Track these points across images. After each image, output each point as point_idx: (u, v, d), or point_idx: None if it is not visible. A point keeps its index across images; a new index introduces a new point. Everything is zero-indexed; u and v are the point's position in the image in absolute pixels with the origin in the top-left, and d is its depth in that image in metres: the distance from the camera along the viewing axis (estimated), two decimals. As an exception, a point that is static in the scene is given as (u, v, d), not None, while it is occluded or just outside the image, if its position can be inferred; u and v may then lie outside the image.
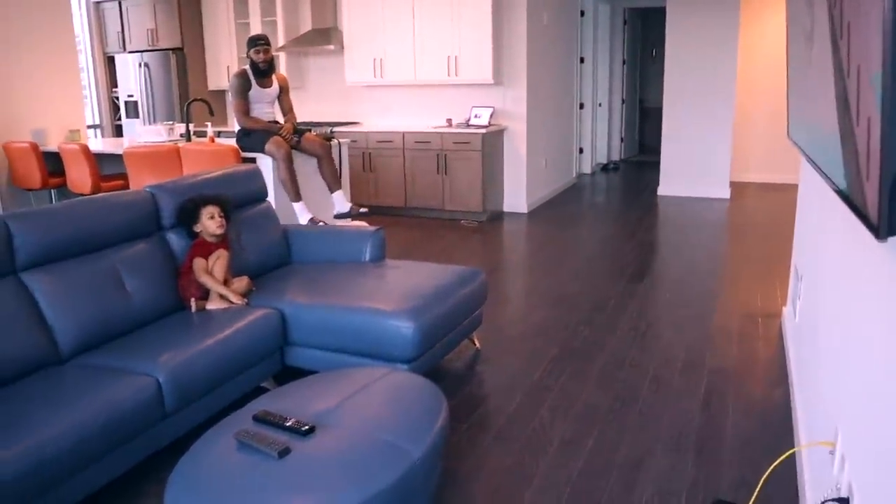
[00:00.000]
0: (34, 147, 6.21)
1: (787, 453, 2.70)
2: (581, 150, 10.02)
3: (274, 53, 6.08)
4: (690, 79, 8.13)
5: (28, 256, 2.87)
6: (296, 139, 5.48)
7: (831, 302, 2.37)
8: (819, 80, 2.02)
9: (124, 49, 8.95)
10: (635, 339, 4.03)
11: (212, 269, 3.34)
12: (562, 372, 3.61)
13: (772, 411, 3.16)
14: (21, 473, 2.12)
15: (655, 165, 8.75)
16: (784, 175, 8.87)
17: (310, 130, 5.76)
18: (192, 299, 3.29)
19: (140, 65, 8.81)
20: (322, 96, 8.37)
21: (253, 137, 5.38)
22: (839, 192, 1.70)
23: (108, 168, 6.23)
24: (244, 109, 5.40)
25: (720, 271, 5.55)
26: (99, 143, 7.05)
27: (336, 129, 7.23)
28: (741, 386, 3.43)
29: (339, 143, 6.11)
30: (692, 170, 8.31)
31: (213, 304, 3.31)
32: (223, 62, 8.73)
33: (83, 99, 7.55)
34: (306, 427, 2.12)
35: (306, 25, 8.17)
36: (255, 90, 5.41)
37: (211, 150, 5.34)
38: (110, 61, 9.16)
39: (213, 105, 6.70)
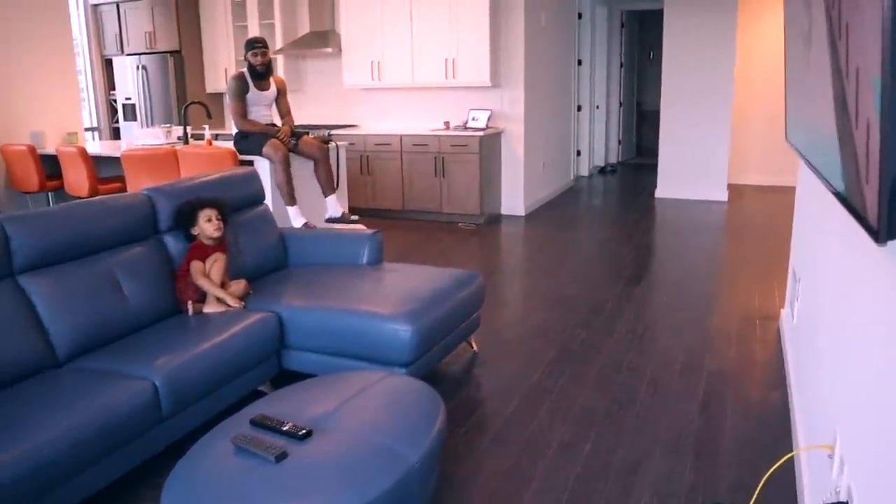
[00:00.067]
0: (31, 150, 6.20)
1: (786, 457, 2.69)
2: (579, 153, 10.03)
3: (272, 56, 6.08)
4: (688, 81, 8.13)
5: (25, 259, 2.86)
6: (293, 142, 5.47)
7: (830, 304, 2.37)
8: (817, 82, 2.02)
9: (122, 52, 8.94)
10: (633, 342, 4.02)
11: (209, 272, 3.33)
12: (560, 375, 3.61)
13: (770, 414, 3.16)
14: (18, 477, 2.11)
15: (653, 168, 8.75)
16: (782, 177, 8.87)
17: (307, 133, 5.75)
18: (189, 302, 3.29)
19: (138, 67, 8.81)
20: (320, 99, 8.37)
21: (250, 140, 5.37)
22: (838, 195, 1.70)
23: (105, 171, 6.22)
24: (242, 112, 5.40)
25: (718, 273, 5.55)
26: (96, 146, 7.04)
27: (334, 131, 7.22)
28: (739, 388, 3.42)
29: (337, 145, 6.10)
30: (690, 172, 8.31)
31: (210, 308, 3.30)
32: (221, 65, 8.73)
33: (81, 101, 7.54)
34: (303, 431, 2.11)
35: (304, 28, 8.17)
36: (253, 93, 5.40)
37: (208, 153, 5.34)
38: (108, 64, 9.15)
39: (210, 108, 6.70)
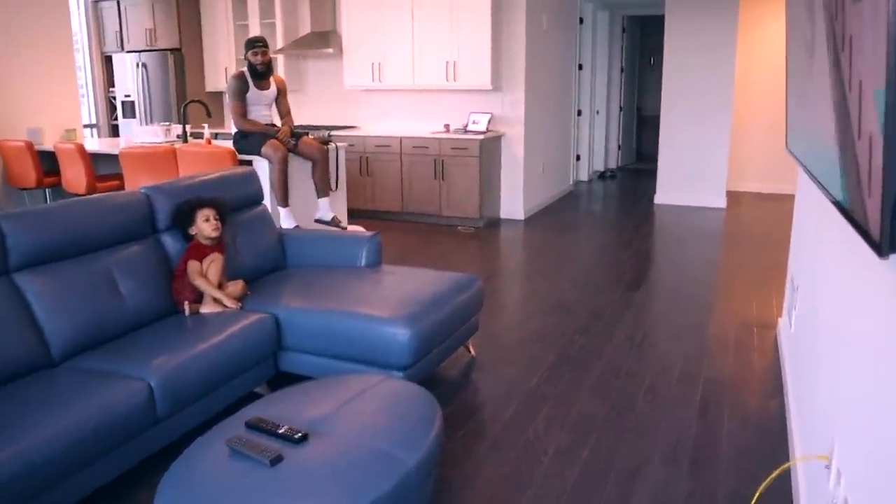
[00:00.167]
0: (29, 146, 6.18)
1: (783, 467, 2.68)
2: (578, 158, 10.02)
3: (272, 56, 6.07)
4: (688, 87, 8.14)
5: (21, 257, 2.85)
6: (293, 142, 5.46)
7: (829, 314, 2.37)
8: (819, 92, 2.02)
9: (122, 48, 8.92)
10: (631, 348, 4.02)
11: (206, 273, 3.32)
12: (558, 380, 3.60)
13: (767, 422, 3.15)
14: (12, 476, 2.09)
15: (652, 173, 8.76)
16: (781, 185, 8.88)
17: (307, 134, 5.74)
18: (186, 302, 3.27)
19: (138, 65, 8.79)
20: (320, 99, 8.36)
21: (250, 140, 5.37)
22: (839, 207, 1.69)
23: (103, 168, 6.20)
24: (241, 112, 5.39)
25: (716, 281, 5.55)
26: (95, 143, 7.03)
27: (334, 132, 7.22)
28: (737, 396, 3.42)
29: (337, 146, 6.09)
30: (689, 178, 8.31)
31: (207, 308, 3.28)
32: (221, 63, 8.72)
33: (80, 98, 7.52)
34: (299, 434, 2.10)
35: (305, 28, 8.16)
36: (253, 92, 5.39)
37: (208, 152, 5.33)
38: (108, 61, 9.13)
39: (210, 106, 6.69)
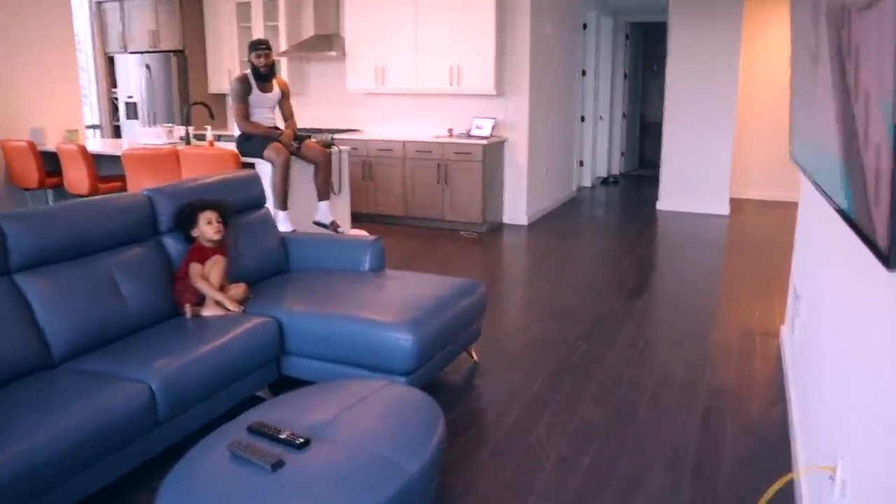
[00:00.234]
0: (32, 146, 6.18)
1: (786, 478, 2.67)
2: (581, 163, 10.02)
3: (275, 58, 6.07)
4: (691, 94, 8.13)
5: (22, 258, 2.84)
6: (296, 145, 5.46)
7: (833, 322, 2.36)
8: (824, 101, 2.01)
9: (125, 49, 8.92)
10: (634, 356, 4.00)
11: (208, 275, 3.31)
12: (560, 387, 3.59)
13: (770, 431, 3.14)
14: (13, 477, 2.08)
15: (655, 180, 8.75)
16: (784, 192, 8.87)
17: (310, 137, 5.74)
18: (188, 305, 3.26)
19: (141, 66, 8.79)
20: (323, 102, 8.36)
21: (253, 142, 5.36)
22: (845, 217, 1.68)
23: (105, 169, 6.20)
24: (244, 114, 5.39)
25: (718, 288, 5.54)
26: (97, 144, 7.03)
27: (336, 135, 7.22)
28: (739, 404, 3.40)
29: (340, 150, 6.09)
30: (692, 185, 8.31)
31: (208, 311, 3.28)
32: (225, 65, 8.72)
33: (82, 98, 7.53)
34: (301, 440, 2.09)
35: (308, 31, 8.16)
36: (256, 95, 5.39)
37: (210, 154, 5.32)
38: (111, 61, 9.14)
39: (213, 108, 6.69)
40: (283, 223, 5.35)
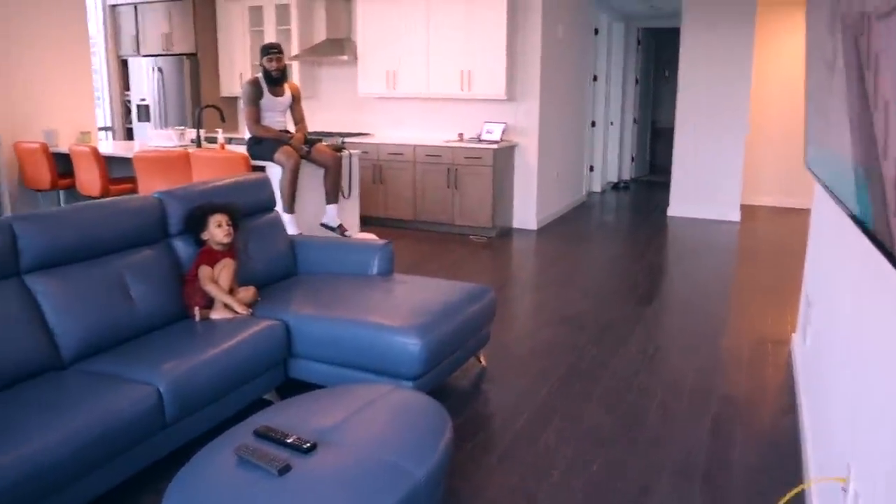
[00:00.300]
0: (44, 148, 6.22)
1: (798, 489, 2.64)
2: (592, 168, 10.00)
3: (287, 62, 6.09)
4: (703, 99, 8.10)
5: (32, 259, 2.85)
6: (306, 149, 5.47)
7: (846, 332, 2.33)
8: (841, 109, 1.99)
9: (138, 52, 8.98)
10: (643, 362, 3.98)
11: (217, 278, 3.31)
12: (569, 393, 3.57)
13: (780, 439, 3.11)
14: (19, 479, 2.08)
15: (666, 185, 8.72)
16: (796, 199, 8.82)
17: (321, 141, 5.75)
18: (197, 308, 3.26)
19: (153, 69, 8.84)
20: (334, 106, 8.38)
21: (263, 146, 5.37)
22: (861, 226, 1.66)
23: (117, 171, 6.23)
24: (255, 117, 5.40)
25: (730, 295, 5.50)
26: (109, 146, 7.06)
27: (347, 139, 7.23)
28: (750, 412, 3.37)
29: (350, 154, 6.09)
30: (703, 191, 8.27)
31: (217, 314, 3.27)
32: (236, 69, 8.75)
33: (95, 101, 7.57)
34: (308, 444, 2.08)
35: (320, 35, 8.18)
36: (267, 98, 5.40)
37: (221, 157, 5.34)
38: (124, 64, 9.19)
39: (224, 111, 6.71)
40: (289, 226, 5.35)
